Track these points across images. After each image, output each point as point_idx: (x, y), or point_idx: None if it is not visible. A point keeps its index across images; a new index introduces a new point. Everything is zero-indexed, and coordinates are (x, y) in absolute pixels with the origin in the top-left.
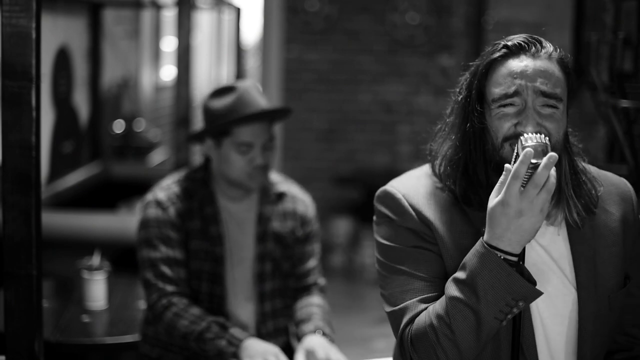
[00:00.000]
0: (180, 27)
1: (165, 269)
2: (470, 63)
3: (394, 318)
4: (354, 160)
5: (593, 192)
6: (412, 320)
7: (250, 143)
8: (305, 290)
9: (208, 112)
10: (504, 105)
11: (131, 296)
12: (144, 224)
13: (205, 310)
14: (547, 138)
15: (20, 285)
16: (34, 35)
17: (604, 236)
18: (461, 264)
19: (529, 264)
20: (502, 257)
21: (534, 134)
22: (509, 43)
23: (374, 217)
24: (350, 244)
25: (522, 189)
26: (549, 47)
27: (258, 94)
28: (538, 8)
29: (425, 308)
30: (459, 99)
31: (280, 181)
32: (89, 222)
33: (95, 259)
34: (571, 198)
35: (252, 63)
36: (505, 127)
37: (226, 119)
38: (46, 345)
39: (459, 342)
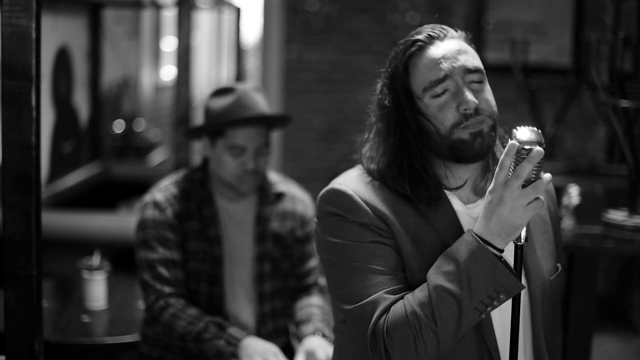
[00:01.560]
0: (180, 27)
1: (163, 270)
2: (381, 70)
3: (361, 313)
4: (354, 161)
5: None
6: (386, 310)
7: (243, 146)
8: (305, 290)
9: (207, 110)
10: (438, 95)
11: (131, 296)
12: (142, 225)
13: (202, 311)
14: (540, 130)
15: (20, 285)
16: (34, 35)
17: (537, 223)
18: (445, 252)
19: None
20: (489, 249)
21: (525, 127)
22: (420, 37)
23: (317, 219)
24: None
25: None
26: (450, 29)
27: (258, 97)
28: (538, 8)
29: (397, 299)
30: (385, 102)
31: (279, 181)
32: (89, 222)
33: (95, 259)
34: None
35: (252, 63)
36: (449, 115)
37: (221, 119)
38: (46, 345)
39: (440, 331)
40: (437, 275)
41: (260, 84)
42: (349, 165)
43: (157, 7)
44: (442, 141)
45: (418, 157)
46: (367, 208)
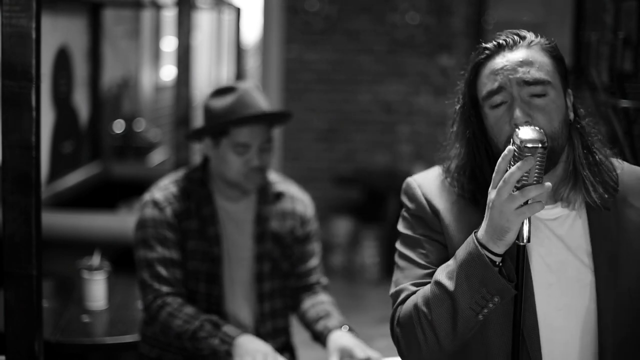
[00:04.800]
0: (180, 27)
1: (161, 270)
2: (462, 72)
3: (392, 299)
4: (354, 160)
5: (612, 170)
6: (403, 301)
7: (248, 144)
8: (309, 289)
9: (208, 111)
10: (496, 106)
11: (131, 296)
12: (141, 224)
13: (199, 309)
14: (543, 130)
15: (20, 285)
16: (34, 35)
17: (627, 230)
18: (456, 252)
19: (544, 254)
20: (483, 252)
21: (527, 126)
22: (489, 45)
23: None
24: (350, 244)
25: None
26: (529, 36)
27: (258, 95)
28: (538, 8)
29: (416, 291)
30: (457, 108)
31: (278, 181)
32: (89, 222)
33: (95, 259)
34: (587, 178)
35: (252, 63)
36: (504, 128)
37: (224, 119)
38: (46, 345)
39: (435, 326)
40: (441, 272)
41: (260, 84)
42: (350, 165)
43: (157, 7)
44: (497, 153)
45: (479, 164)
46: (424, 201)
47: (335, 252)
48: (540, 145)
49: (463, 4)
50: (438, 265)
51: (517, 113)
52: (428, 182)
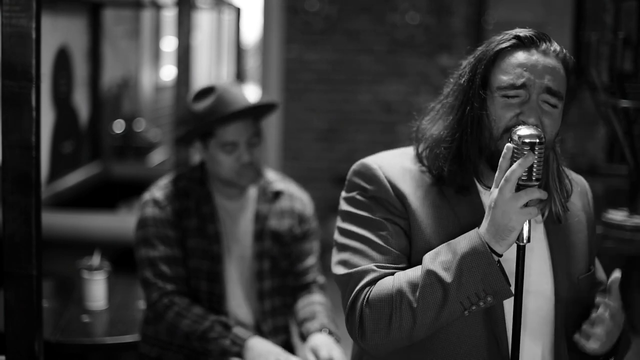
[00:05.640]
0: (180, 27)
1: (165, 268)
2: (476, 47)
3: (347, 281)
4: (354, 160)
5: (570, 187)
6: (371, 283)
7: (235, 142)
8: (305, 288)
9: (190, 114)
10: (509, 96)
11: (131, 296)
12: (142, 223)
13: (207, 310)
14: (540, 129)
15: (20, 285)
16: (34, 35)
17: (572, 224)
18: (448, 243)
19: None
20: (488, 249)
21: (525, 125)
22: (521, 34)
23: (343, 192)
24: None
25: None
26: (556, 45)
27: (238, 92)
28: (538, 8)
29: (385, 274)
30: (461, 81)
31: (277, 179)
32: (89, 222)
33: (95, 259)
34: (557, 192)
35: (252, 63)
36: (507, 116)
37: (206, 120)
38: (46, 345)
39: (418, 314)
40: (433, 261)
41: (260, 83)
42: (349, 165)
43: (157, 7)
44: (490, 140)
45: (467, 144)
46: (388, 184)
47: None
48: (537, 140)
49: (463, 4)
50: (398, 250)
51: (531, 113)
52: (389, 165)
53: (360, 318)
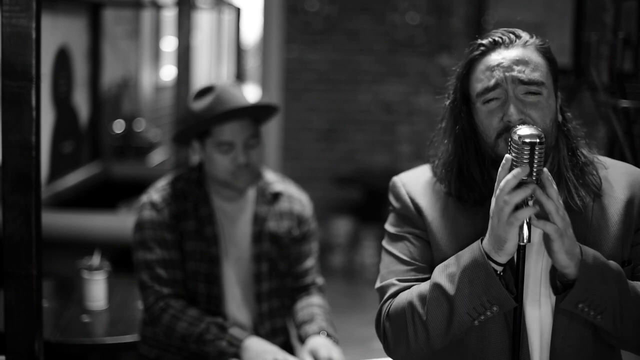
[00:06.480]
0: (180, 27)
1: (161, 271)
2: (454, 68)
3: (379, 294)
4: (354, 160)
5: (595, 174)
6: (392, 296)
7: (231, 142)
8: (304, 290)
9: (189, 113)
10: (488, 101)
11: (131, 296)
12: (139, 225)
13: (203, 311)
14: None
15: (20, 285)
16: (34, 35)
17: (600, 218)
18: (456, 254)
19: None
20: (488, 260)
21: (528, 125)
22: (484, 41)
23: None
24: (350, 244)
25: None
26: (524, 36)
27: (237, 92)
28: (538, 8)
29: (406, 287)
30: (447, 103)
31: (276, 181)
32: (89, 222)
33: (95, 259)
34: (570, 180)
35: (252, 63)
36: (494, 122)
37: (203, 118)
38: (46, 345)
39: (429, 326)
40: (441, 274)
41: (260, 83)
42: (349, 165)
43: (157, 7)
44: (487, 149)
45: (466, 160)
46: (408, 199)
47: (335, 252)
48: (538, 140)
49: (463, 4)
50: (422, 262)
51: (512, 110)
52: (413, 181)
53: (384, 332)
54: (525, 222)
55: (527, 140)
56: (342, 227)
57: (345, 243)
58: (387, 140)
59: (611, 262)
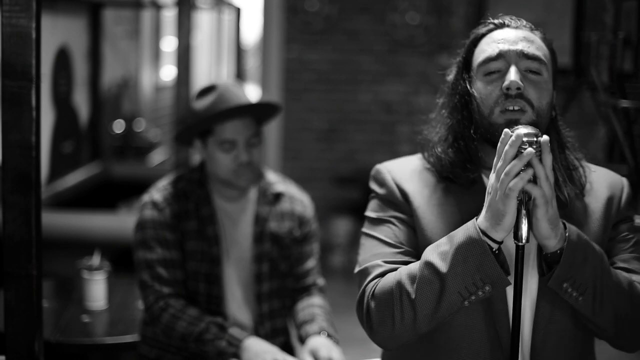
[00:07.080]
0: (180, 27)
1: (162, 271)
2: (459, 50)
3: (359, 277)
4: (354, 160)
5: (582, 173)
6: (379, 276)
7: (233, 140)
8: (305, 290)
9: (191, 111)
10: (489, 74)
11: (131, 296)
12: (141, 225)
13: (202, 311)
14: (540, 132)
15: (20, 285)
16: (34, 35)
17: (582, 216)
18: (449, 234)
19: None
20: (484, 238)
21: (525, 125)
22: (495, 20)
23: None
24: (350, 244)
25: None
26: (529, 24)
27: (239, 91)
28: (538, 8)
29: (392, 269)
30: (448, 78)
31: (277, 181)
32: (89, 222)
33: (95, 259)
34: (560, 173)
35: (252, 63)
36: (493, 92)
37: (204, 116)
38: (46, 345)
39: (417, 305)
40: (432, 253)
41: (260, 84)
42: (349, 165)
43: (157, 7)
44: (481, 120)
45: (462, 131)
46: (394, 185)
47: (335, 252)
48: (535, 139)
49: (463, 4)
50: (408, 246)
51: (514, 76)
52: (398, 168)
53: (367, 312)
54: (523, 222)
55: (526, 139)
56: (342, 227)
57: (345, 243)
58: (387, 140)
59: (594, 243)
